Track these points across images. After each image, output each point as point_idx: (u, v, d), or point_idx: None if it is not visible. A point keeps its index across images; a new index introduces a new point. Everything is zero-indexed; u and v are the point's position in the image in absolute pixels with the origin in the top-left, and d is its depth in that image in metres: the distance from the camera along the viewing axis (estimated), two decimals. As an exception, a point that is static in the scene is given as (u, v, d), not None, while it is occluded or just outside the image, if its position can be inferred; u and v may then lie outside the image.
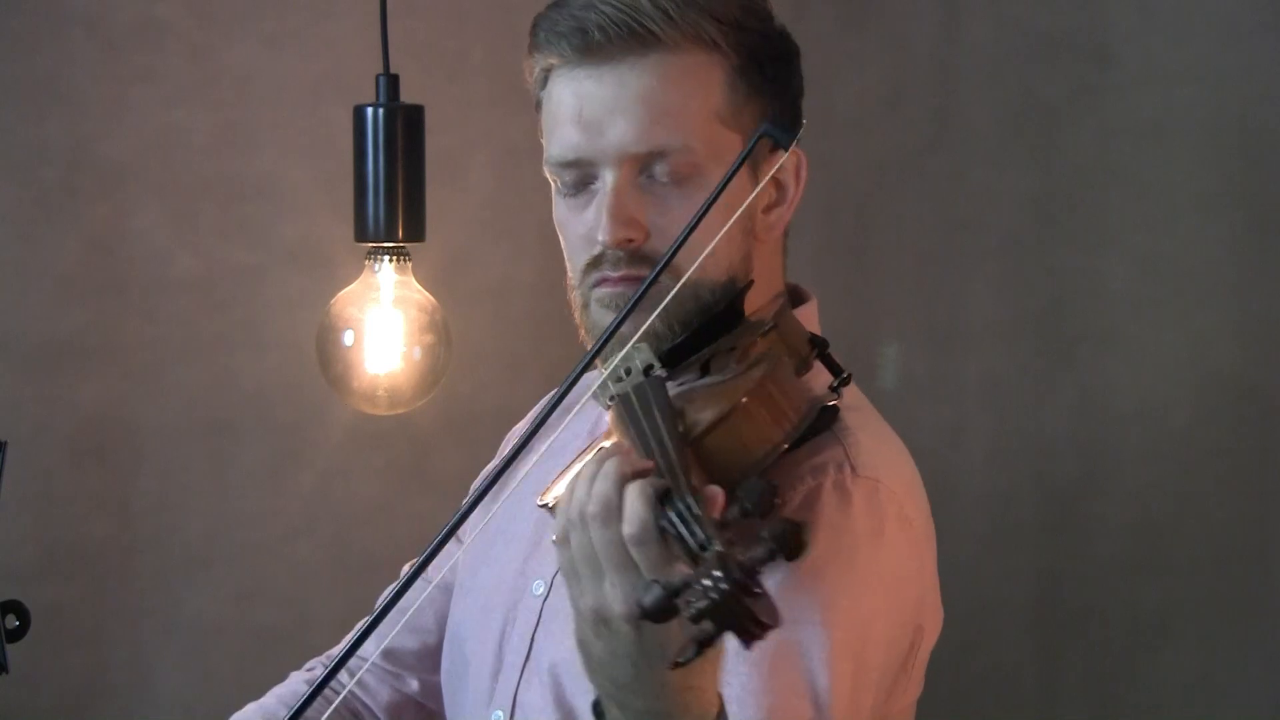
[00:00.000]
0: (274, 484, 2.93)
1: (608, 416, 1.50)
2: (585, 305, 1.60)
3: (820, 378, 1.55)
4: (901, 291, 3.13)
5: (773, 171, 1.57)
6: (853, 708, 1.49)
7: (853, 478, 1.52)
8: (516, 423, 1.90)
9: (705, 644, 1.20)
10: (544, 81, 1.61)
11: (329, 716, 1.79)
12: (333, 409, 2.81)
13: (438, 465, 2.96)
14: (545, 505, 1.44)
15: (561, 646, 1.57)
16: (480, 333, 2.94)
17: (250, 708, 1.80)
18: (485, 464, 1.89)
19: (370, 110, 2.35)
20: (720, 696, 1.36)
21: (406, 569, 1.88)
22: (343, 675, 1.82)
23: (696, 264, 1.47)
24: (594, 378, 1.80)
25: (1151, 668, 3.01)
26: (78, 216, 2.83)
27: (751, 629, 1.20)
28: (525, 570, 1.67)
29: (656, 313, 1.47)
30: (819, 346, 1.56)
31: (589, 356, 1.45)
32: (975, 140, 3.10)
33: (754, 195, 1.53)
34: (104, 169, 2.84)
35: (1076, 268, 3.04)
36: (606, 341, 1.46)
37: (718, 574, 1.20)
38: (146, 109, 2.86)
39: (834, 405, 1.51)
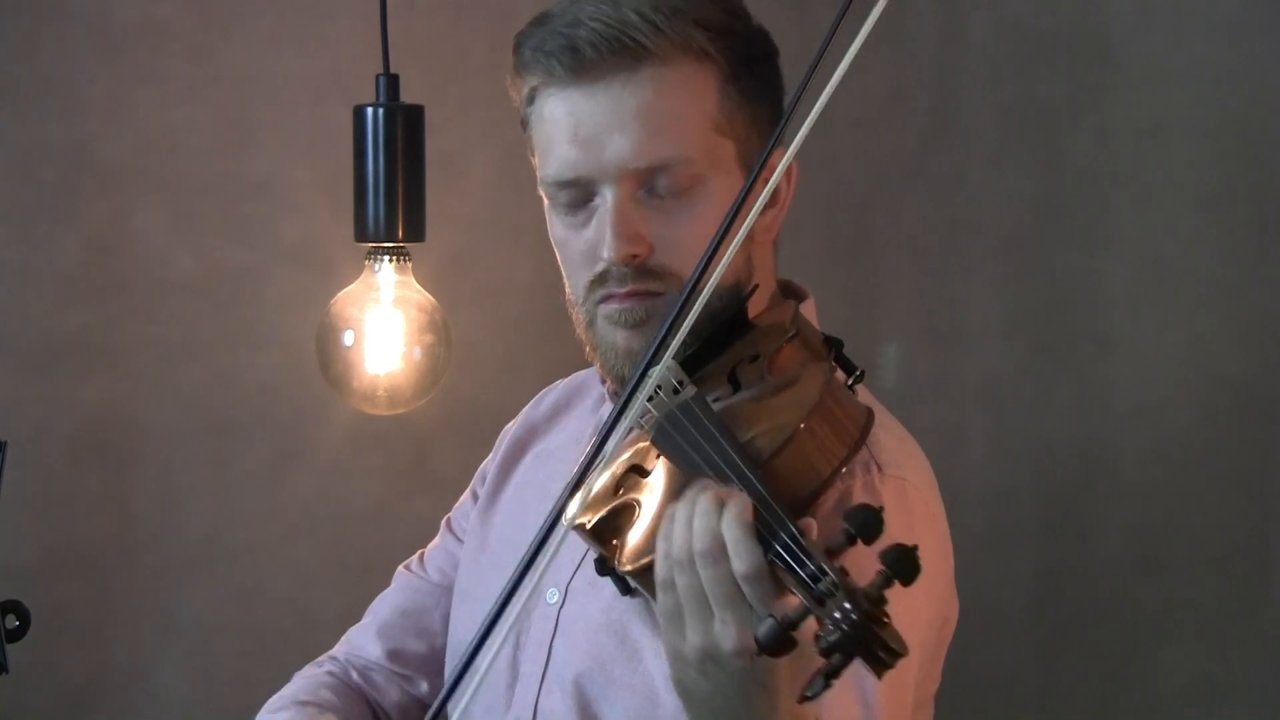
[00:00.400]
0: (274, 484, 2.93)
1: (622, 428, 1.45)
2: (591, 323, 1.59)
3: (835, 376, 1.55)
4: (901, 291, 3.13)
5: (778, 173, 1.55)
6: (898, 706, 1.49)
7: (880, 477, 1.53)
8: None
9: (833, 675, 1.19)
10: (532, 100, 1.59)
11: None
12: (333, 409, 2.81)
13: (438, 465, 2.96)
14: (582, 525, 1.42)
15: (585, 657, 1.57)
16: (480, 333, 2.94)
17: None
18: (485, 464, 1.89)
19: (370, 110, 2.35)
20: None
21: (401, 570, 1.88)
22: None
23: (713, 282, 1.40)
24: (590, 374, 1.80)
25: (1151, 668, 3.00)
26: (78, 216, 2.83)
27: (885, 658, 1.19)
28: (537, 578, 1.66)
29: (681, 335, 1.41)
30: (835, 346, 1.55)
31: (636, 379, 1.41)
32: (975, 140, 3.10)
33: (764, 199, 1.48)
34: (104, 169, 2.84)
35: (1076, 268, 3.04)
36: (654, 358, 1.40)
37: (847, 606, 1.18)
38: (146, 109, 2.86)
39: None
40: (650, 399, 1.42)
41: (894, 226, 3.14)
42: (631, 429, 1.44)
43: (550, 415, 1.82)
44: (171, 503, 2.89)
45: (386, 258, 2.36)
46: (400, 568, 1.87)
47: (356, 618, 1.86)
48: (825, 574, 1.22)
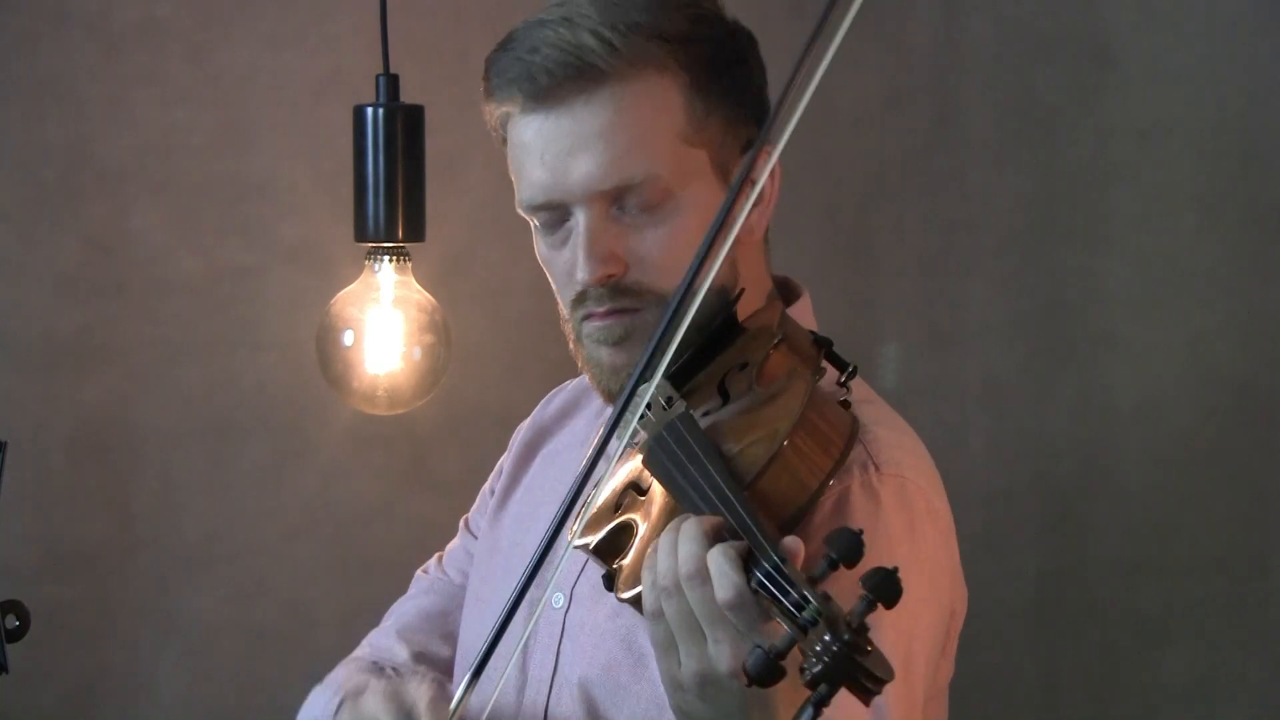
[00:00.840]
0: (274, 484, 2.93)
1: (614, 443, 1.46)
2: (579, 339, 1.60)
3: (828, 375, 1.54)
4: (901, 291, 3.13)
5: (763, 177, 1.54)
6: (908, 705, 1.49)
7: (878, 476, 1.52)
8: (518, 422, 1.89)
9: (823, 704, 1.19)
10: (504, 124, 1.60)
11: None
12: (333, 409, 2.81)
13: (438, 465, 2.96)
14: (585, 546, 1.42)
15: (591, 663, 1.58)
16: (480, 333, 2.94)
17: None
18: (485, 464, 1.89)
19: (370, 110, 2.35)
20: None
21: (420, 574, 1.87)
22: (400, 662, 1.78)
23: (698, 299, 1.40)
24: (578, 384, 1.80)
25: (1151, 668, 3.00)
26: (78, 216, 2.83)
27: (869, 686, 1.19)
28: (542, 583, 1.66)
29: (668, 356, 1.42)
30: (824, 346, 1.55)
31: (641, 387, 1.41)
32: (975, 140, 3.10)
33: (748, 206, 1.47)
34: (104, 169, 2.84)
35: (1076, 268, 3.04)
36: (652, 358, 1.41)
37: (828, 638, 1.18)
38: (146, 109, 2.86)
39: (846, 401, 1.50)
40: (640, 418, 1.43)
41: (894, 226, 3.13)
42: (627, 446, 1.45)
43: (558, 417, 1.83)
44: (171, 503, 2.89)
45: (386, 258, 2.36)
46: (419, 571, 1.86)
47: (357, 617, 1.86)
48: (808, 602, 1.22)
